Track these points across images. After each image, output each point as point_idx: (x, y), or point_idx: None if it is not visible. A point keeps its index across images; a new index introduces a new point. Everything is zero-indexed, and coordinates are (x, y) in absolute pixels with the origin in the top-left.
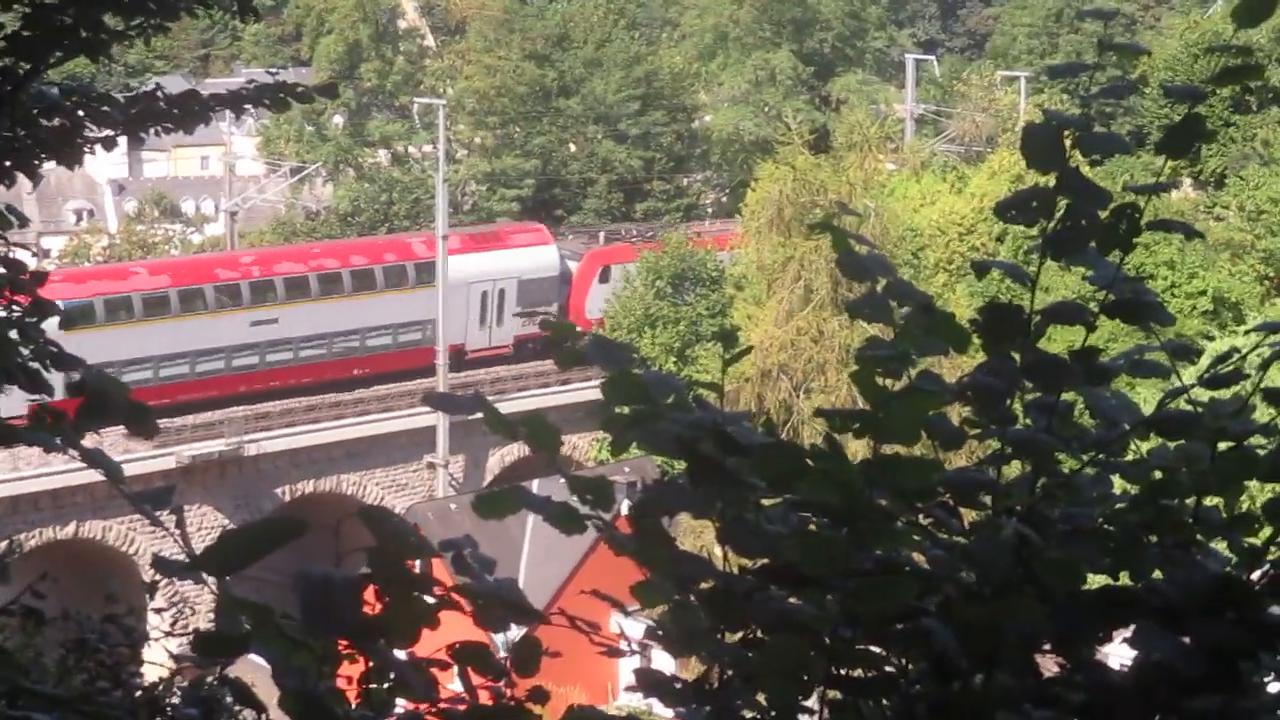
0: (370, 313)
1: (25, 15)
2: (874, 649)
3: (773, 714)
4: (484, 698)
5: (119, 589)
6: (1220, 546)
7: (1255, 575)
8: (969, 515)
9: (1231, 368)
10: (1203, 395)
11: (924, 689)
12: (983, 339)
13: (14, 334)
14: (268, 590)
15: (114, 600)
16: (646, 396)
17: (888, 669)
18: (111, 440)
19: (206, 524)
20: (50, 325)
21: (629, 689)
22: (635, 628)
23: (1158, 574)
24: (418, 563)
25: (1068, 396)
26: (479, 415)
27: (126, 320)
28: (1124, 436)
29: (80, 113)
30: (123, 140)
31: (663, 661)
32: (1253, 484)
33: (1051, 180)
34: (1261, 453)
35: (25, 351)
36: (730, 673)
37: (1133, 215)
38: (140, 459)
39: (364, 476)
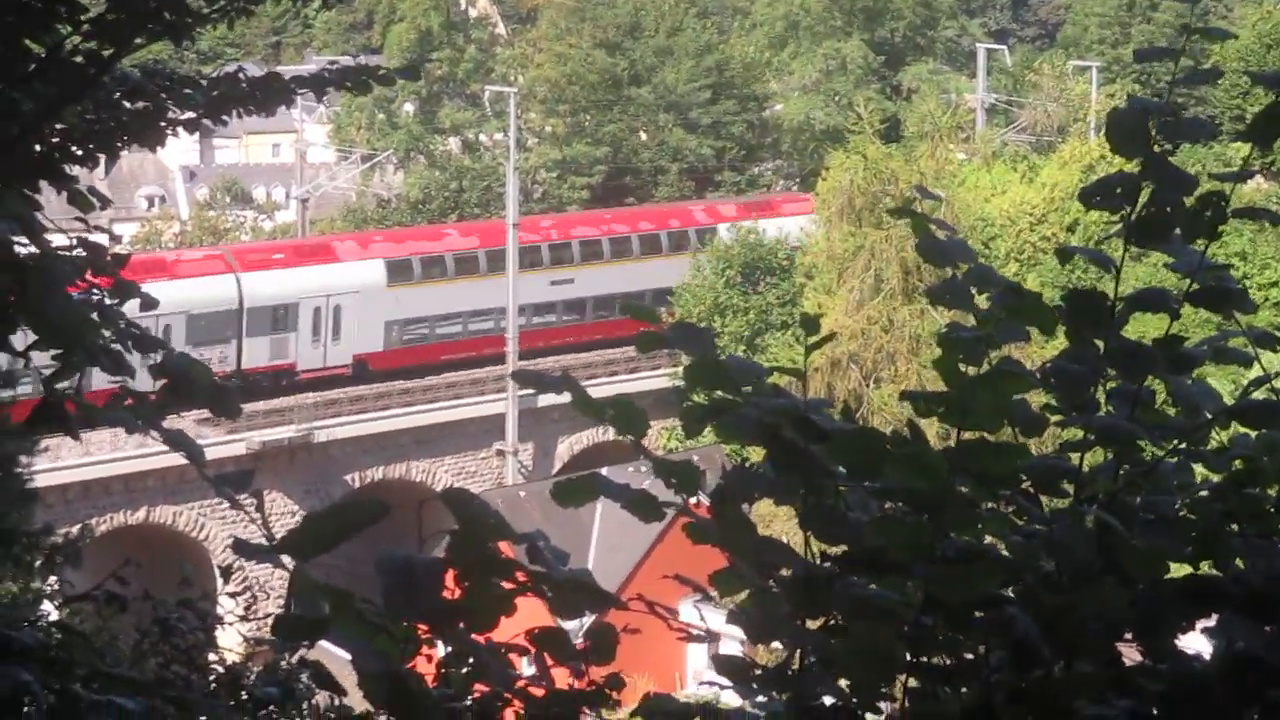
0: (653, 275)
1: None
2: (954, 637)
3: (854, 701)
4: (560, 683)
5: (192, 572)
6: None
7: None
8: (1048, 503)
9: None
10: None
11: (1003, 677)
12: (1066, 326)
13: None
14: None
15: (189, 584)
16: (728, 382)
17: (967, 657)
18: (182, 426)
19: (277, 509)
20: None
21: (703, 683)
22: (710, 615)
23: (1240, 563)
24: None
25: (1150, 384)
26: (548, 403)
27: (440, 278)
28: (1207, 425)
29: (162, 95)
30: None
31: (731, 649)
32: None
33: (1136, 166)
34: None
35: (107, 334)
36: (811, 659)
37: (1218, 203)
38: (211, 444)
39: (433, 463)
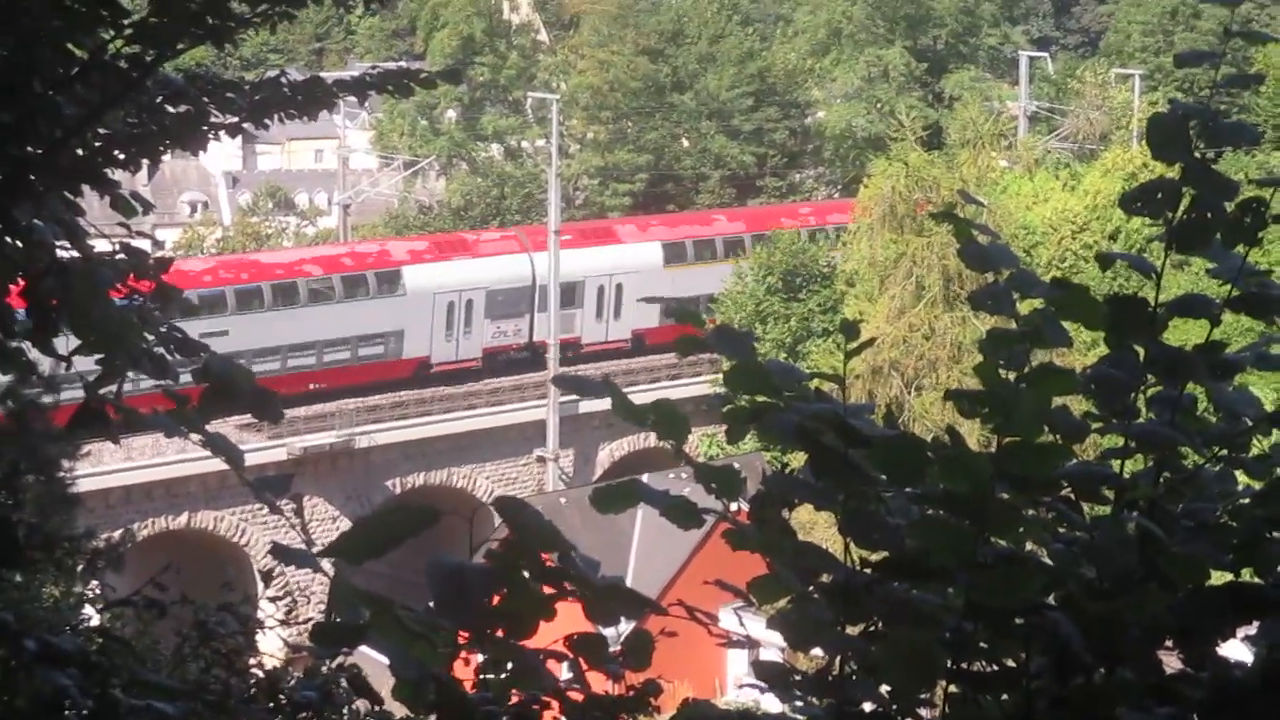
0: None
1: (153, 2)
2: (995, 643)
3: (894, 707)
4: (598, 689)
5: (234, 576)
6: None
7: None
8: (1089, 510)
9: None
10: None
11: (1044, 684)
12: (1107, 332)
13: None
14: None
15: (230, 588)
16: (769, 386)
17: (1008, 663)
18: (223, 431)
19: (318, 515)
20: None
21: (743, 684)
22: (750, 621)
23: None
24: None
25: (1191, 390)
26: (589, 409)
27: (710, 260)
28: (1248, 431)
29: (205, 99)
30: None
31: (771, 655)
32: None
33: (1177, 172)
34: None
35: (150, 338)
36: (852, 665)
37: (1259, 208)
38: (253, 450)
39: (474, 470)
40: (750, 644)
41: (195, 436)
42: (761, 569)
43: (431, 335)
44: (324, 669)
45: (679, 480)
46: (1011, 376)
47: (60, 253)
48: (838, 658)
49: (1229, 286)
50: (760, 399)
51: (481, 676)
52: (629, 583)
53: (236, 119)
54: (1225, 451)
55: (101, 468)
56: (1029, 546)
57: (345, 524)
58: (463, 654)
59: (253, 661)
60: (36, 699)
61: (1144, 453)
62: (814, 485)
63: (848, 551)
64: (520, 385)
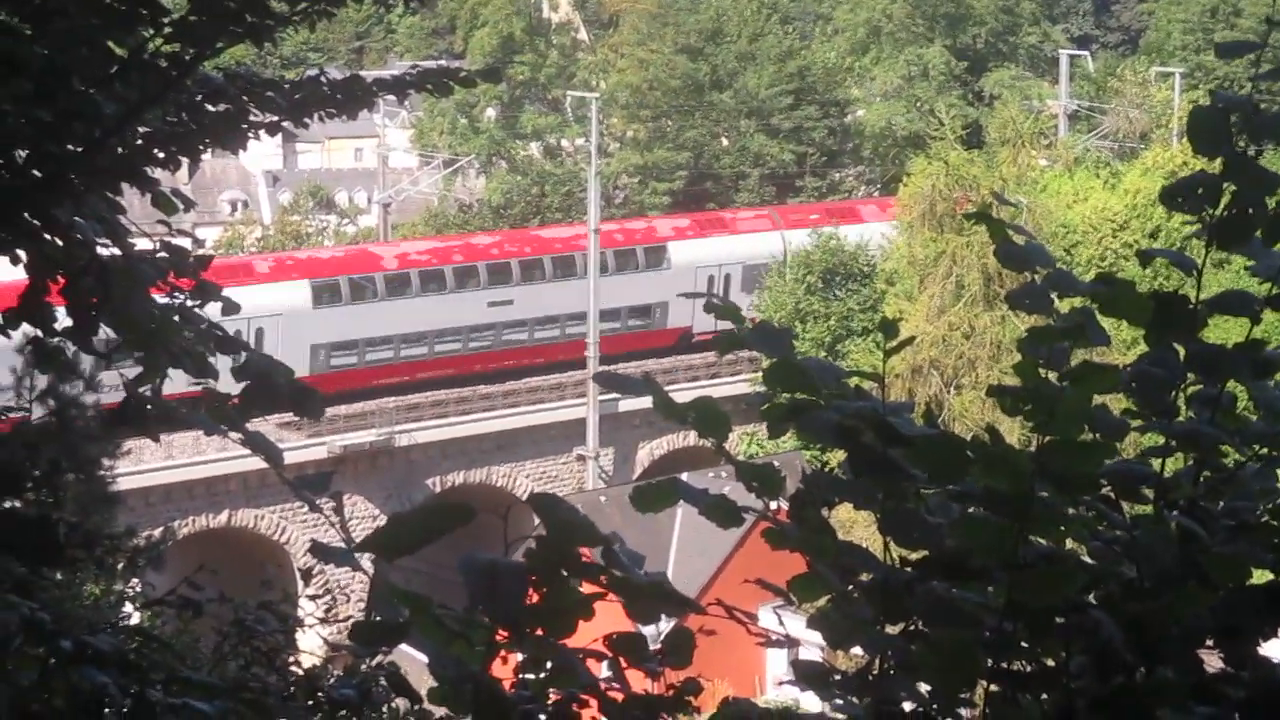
0: None
1: (192, 0)
2: (1035, 642)
3: (934, 706)
4: (637, 688)
5: (274, 575)
6: None
7: None
8: (1129, 509)
9: None
10: None
11: (1085, 684)
12: (1147, 330)
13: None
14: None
15: (270, 586)
16: (808, 384)
17: (1048, 663)
18: (264, 430)
19: (358, 513)
20: (213, 309)
21: (782, 682)
22: (789, 620)
23: None
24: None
25: (1231, 388)
26: (629, 407)
27: None
28: None
29: (244, 98)
30: (278, 132)
31: (811, 655)
32: None
33: (1218, 166)
34: None
35: (189, 336)
36: (891, 664)
37: None
38: (293, 448)
39: (514, 468)
40: (790, 643)
41: (235, 435)
42: (801, 568)
43: (694, 306)
44: (363, 667)
45: (718, 479)
46: (1052, 375)
47: (101, 251)
48: (877, 657)
49: (1269, 285)
50: (800, 397)
51: (520, 675)
52: None
53: (276, 118)
54: (1266, 450)
55: (142, 466)
56: (1068, 545)
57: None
58: (502, 653)
59: (292, 660)
60: (74, 698)
61: (1184, 451)
62: (853, 484)
63: (887, 550)
64: (560, 384)
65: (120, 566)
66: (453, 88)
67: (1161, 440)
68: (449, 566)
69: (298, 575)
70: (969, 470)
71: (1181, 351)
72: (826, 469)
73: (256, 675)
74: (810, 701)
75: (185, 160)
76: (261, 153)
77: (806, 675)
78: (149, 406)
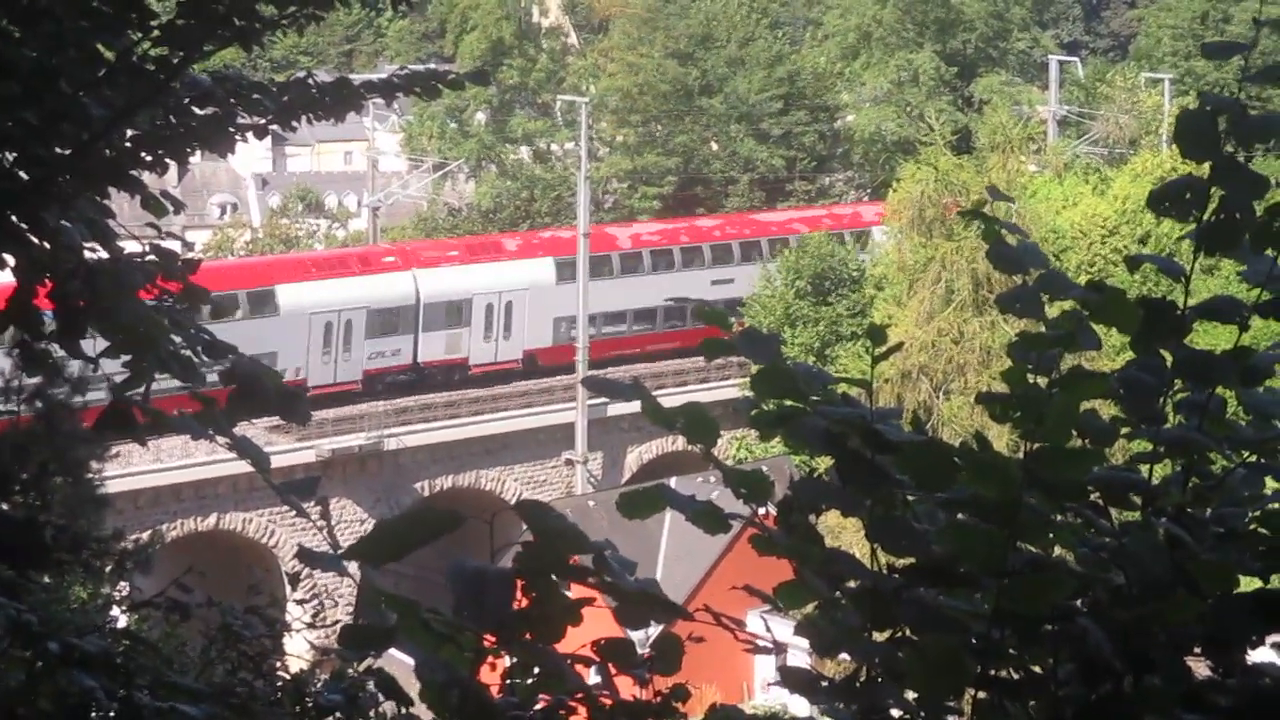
0: None
1: (181, 4)
2: (1023, 649)
3: (922, 713)
4: (625, 694)
5: (262, 579)
6: None
7: None
8: (1117, 515)
9: None
10: None
11: (1072, 691)
12: (1134, 336)
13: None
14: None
15: (257, 591)
16: (796, 390)
17: (1036, 670)
18: (252, 433)
19: (346, 517)
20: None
21: (771, 684)
22: (777, 625)
23: None
24: None
25: (1220, 394)
26: (617, 412)
27: None
28: (1277, 436)
29: (232, 101)
30: (266, 135)
31: (799, 660)
32: None
33: (1206, 171)
34: None
35: (177, 339)
36: (879, 671)
37: None
38: (281, 452)
39: (503, 472)
40: (777, 649)
41: (221, 439)
42: (789, 573)
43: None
44: (350, 672)
45: (707, 484)
46: (1041, 380)
47: (89, 254)
48: (865, 664)
49: (1258, 291)
50: (788, 403)
51: (508, 680)
52: None
53: (264, 120)
54: (1254, 456)
55: (131, 469)
56: (1055, 552)
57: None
58: (491, 658)
59: (279, 664)
60: (61, 700)
61: (1173, 458)
62: (841, 490)
63: (875, 557)
64: (549, 388)
65: (108, 570)
66: (441, 90)
67: (1150, 446)
68: (436, 569)
69: (285, 579)
70: (957, 477)
71: (1169, 357)
72: (814, 475)
73: (243, 679)
74: (799, 705)
75: (173, 163)
76: (251, 156)
77: (794, 681)
78: (137, 410)
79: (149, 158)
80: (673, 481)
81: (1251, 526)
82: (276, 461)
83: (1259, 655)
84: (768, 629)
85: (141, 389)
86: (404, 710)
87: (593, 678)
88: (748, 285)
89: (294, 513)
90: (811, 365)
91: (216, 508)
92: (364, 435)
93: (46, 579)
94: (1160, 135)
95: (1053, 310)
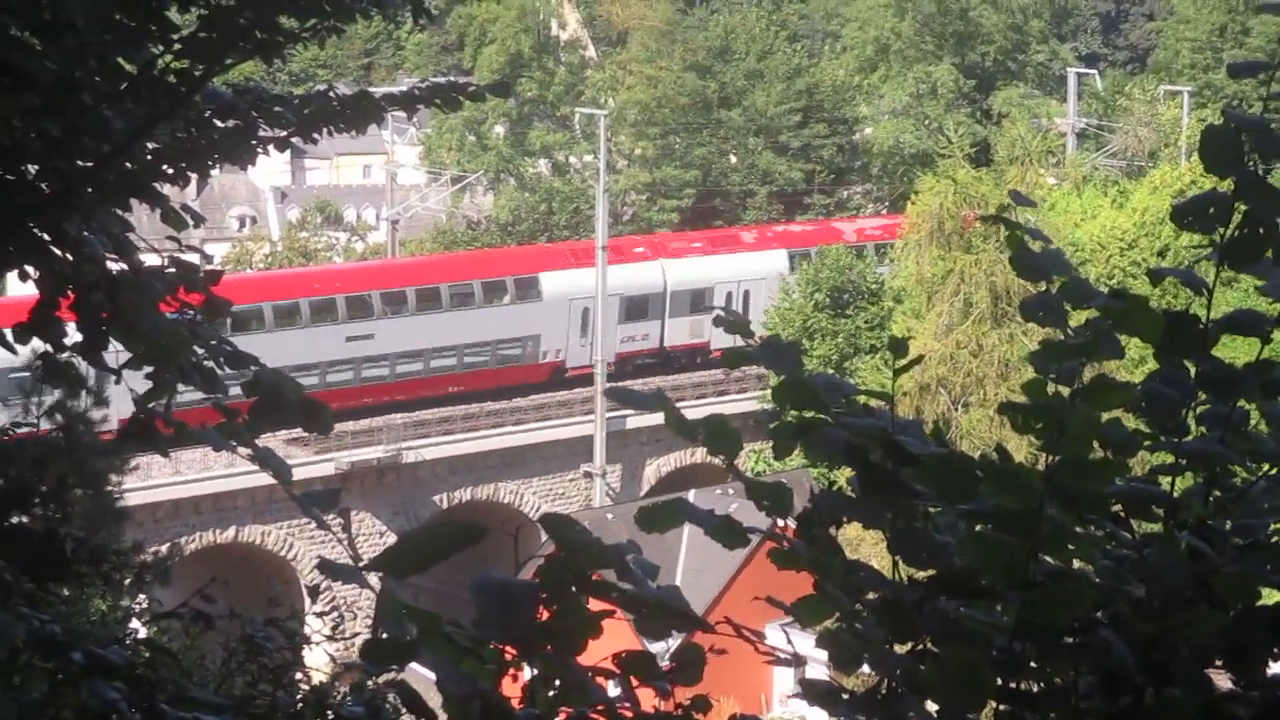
0: None
1: (202, 17)
2: (1044, 662)
3: None
4: (646, 706)
5: (281, 591)
6: None
7: None
8: (1138, 528)
9: None
10: None
11: (1093, 704)
12: (1157, 348)
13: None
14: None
15: (277, 603)
16: (816, 401)
17: (1057, 682)
18: (271, 445)
19: (365, 530)
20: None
21: (790, 696)
22: (797, 638)
23: None
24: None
25: (1241, 406)
26: (636, 424)
27: None
28: None
29: (253, 114)
30: (287, 147)
31: (817, 673)
32: None
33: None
34: None
35: (199, 351)
36: (900, 684)
37: None
38: (301, 464)
39: (521, 485)
40: (797, 662)
41: (244, 450)
42: (809, 584)
43: None
44: (370, 684)
45: (726, 496)
46: (1063, 391)
47: (110, 266)
48: (886, 676)
49: (1279, 306)
50: (808, 415)
51: (529, 693)
52: None
53: (285, 133)
54: (1276, 469)
55: (150, 481)
56: (1076, 564)
57: (392, 539)
58: (512, 671)
59: (299, 677)
60: (84, 712)
61: (1194, 470)
62: (862, 502)
63: (896, 569)
64: (567, 400)
65: (127, 582)
66: (461, 102)
67: (1171, 459)
68: (455, 583)
69: (305, 592)
70: (978, 489)
71: (1192, 370)
72: (834, 487)
73: (264, 691)
74: (818, 718)
75: (194, 176)
76: (270, 169)
77: (815, 693)
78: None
79: (170, 170)
80: (691, 494)
81: (1273, 539)
82: (296, 474)
83: None
84: (789, 640)
85: (164, 401)
86: None
87: (613, 690)
88: None
89: (313, 525)
90: (833, 375)
91: (235, 520)
92: (382, 448)
93: (66, 591)
94: (1179, 148)
95: (1074, 320)
